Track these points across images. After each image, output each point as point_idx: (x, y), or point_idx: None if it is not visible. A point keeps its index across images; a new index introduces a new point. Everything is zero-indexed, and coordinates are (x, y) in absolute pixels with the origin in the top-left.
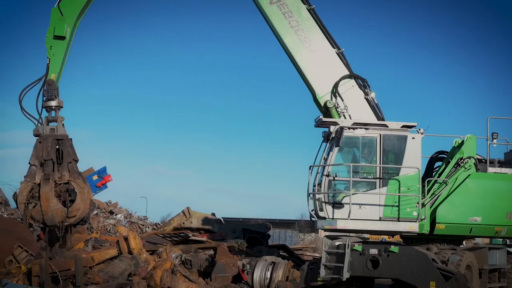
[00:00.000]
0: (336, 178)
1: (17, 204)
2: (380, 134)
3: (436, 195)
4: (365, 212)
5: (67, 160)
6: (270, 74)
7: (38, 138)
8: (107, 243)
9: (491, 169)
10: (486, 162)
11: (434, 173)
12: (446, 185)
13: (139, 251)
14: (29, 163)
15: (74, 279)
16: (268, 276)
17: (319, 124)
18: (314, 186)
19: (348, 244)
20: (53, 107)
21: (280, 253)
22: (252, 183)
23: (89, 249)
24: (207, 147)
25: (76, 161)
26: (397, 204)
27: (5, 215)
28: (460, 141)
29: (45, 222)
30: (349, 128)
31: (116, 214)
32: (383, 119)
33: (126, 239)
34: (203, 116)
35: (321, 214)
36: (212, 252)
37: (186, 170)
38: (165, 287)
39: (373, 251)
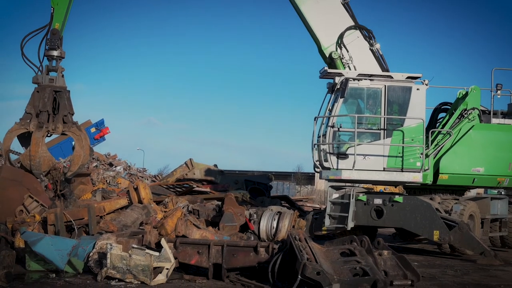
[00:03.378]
0: (340, 129)
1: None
2: (385, 85)
3: (439, 146)
4: (369, 162)
5: (63, 113)
6: (268, 27)
7: (36, 87)
8: (114, 194)
9: (494, 120)
10: (489, 113)
11: (438, 124)
12: (450, 136)
13: (149, 201)
14: (25, 110)
15: (87, 228)
16: (275, 225)
17: (324, 75)
18: (319, 137)
19: (352, 194)
20: (55, 57)
21: (282, 203)
22: (248, 136)
23: (98, 199)
24: (202, 99)
25: (72, 114)
26: (401, 154)
27: None
28: (464, 92)
29: (31, 168)
30: (354, 79)
31: (115, 166)
32: (387, 70)
33: (136, 189)
34: (198, 68)
35: (325, 164)
36: (217, 202)
37: (180, 123)
38: (179, 235)
39: (378, 201)
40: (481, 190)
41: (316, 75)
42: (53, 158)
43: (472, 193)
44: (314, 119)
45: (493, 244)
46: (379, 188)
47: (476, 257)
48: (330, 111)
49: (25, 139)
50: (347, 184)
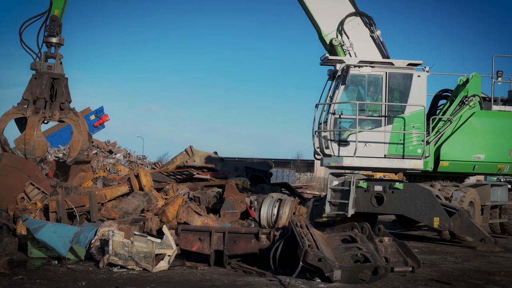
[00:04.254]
0: (342, 116)
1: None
2: (386, 72)
3: (440, 133)
4: (370, 149)
5: (60, 100)
6: (266, 13)
7: (34, 73)
8: (115, 182)
9: (495, 107)
10: (490, 100)
11: (438, 111)
12: (451, 123)
13: (150, 188)
14: (23, 96)
15: (88, 215)
16: (275, 212)
17: (324, 62)
18: (320, 124)
19: (353, 181)
20: (54, 44)
21: (283, 191)
22: (248, 123)
23: (100, 186)
24: (201, 87)
25: (69, 102)
26: (402, 141)
27: None
28: (465, 79)
29: (26, 153)
30: (355, 66)
31: (115, 154)
32: (388, 57)
33: (137, 176)
34: (197, 56)
35: (326, 151)
36: (217, 189)
37: (180, 110)
38: (180, 222)
39: (378, 188)
40: (481, 177)
41: (316, 62)
42: (48, 143)
43: (472, 180)
44: (315, 106)
45: (493, 230)
46: (379, 175)
47: (476, 244)
48: (331, 98)
49: (22, 125)
50: (347, 171)
